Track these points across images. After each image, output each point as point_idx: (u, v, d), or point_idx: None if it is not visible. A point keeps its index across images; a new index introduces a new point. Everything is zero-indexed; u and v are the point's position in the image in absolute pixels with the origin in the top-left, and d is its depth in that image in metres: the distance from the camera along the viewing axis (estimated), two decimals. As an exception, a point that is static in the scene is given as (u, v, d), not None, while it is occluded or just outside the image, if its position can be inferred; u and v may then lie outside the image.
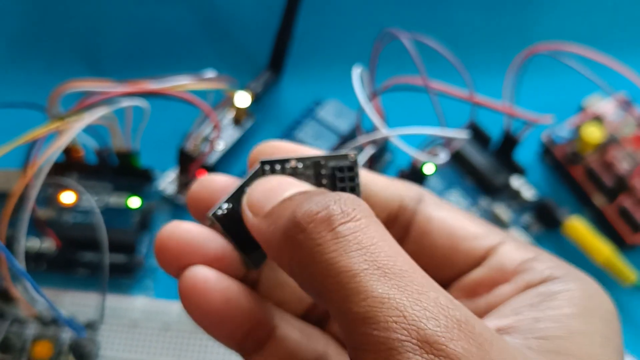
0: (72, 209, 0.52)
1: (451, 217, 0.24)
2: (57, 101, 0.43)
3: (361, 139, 0.45)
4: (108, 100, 0.40)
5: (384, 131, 0.40)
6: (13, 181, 0.51)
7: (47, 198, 0.53)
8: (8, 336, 0.44)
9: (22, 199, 0.52)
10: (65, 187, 0.53)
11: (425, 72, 0.42)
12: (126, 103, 0.41)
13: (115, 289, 0.49)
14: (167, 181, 0.54)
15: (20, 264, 0.37)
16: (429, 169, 0.51)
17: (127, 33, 0.62)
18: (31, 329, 0.46)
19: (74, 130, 0.39)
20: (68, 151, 0.51)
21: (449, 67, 0.47)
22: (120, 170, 0.53)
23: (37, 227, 0.47)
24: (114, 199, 0.53)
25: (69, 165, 0.53)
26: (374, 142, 0.53)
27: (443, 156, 0.44)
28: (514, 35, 0.64)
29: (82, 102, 0.41)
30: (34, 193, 0.37)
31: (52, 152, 0.38)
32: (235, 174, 0.57)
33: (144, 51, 0.61)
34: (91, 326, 0.46)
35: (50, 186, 0.53)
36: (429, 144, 0.52)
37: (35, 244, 0.49)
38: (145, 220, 0.52)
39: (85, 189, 0.53)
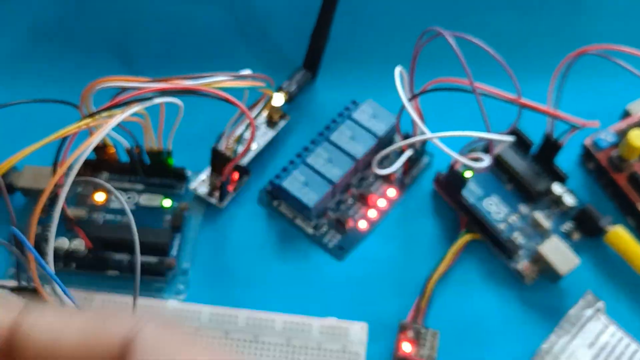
0: (102, 208, 0.51)
1: None
2: (89, 98, 0.42)
3: (400, 141, 0.43)
4: (141, 97, 0.39)
5: (426, 133, 0.39)
6: (44, 179, 0.51)
7: (77, 197, 0.52)
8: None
9: (53, 197, 0.51)
10: (96, 186, 0.52)
11: (470, 72, 0.41)
12: (160, 100, 0.39)
13: (146, 291, 0.48)
14: (199, 181, 0.53)
15: (49, 265, 0.36)
16: (468, 173, 0.49)
17: (162, 31, 0.61)
18: (60, 330, 0.45)
19: (105, 127, 0.38)
20: (99, 149, 0.51)
21: (492, 69, 0.45)
22: (152, 169, 0.52)
23: (67, 226, 0.46)
24: (145, 199, 0.52)
25: (100, 164, 0.52)
26: (412, 144, 0.52)
27: (486, 161, 0.42)
28: (558, 37, 0.61)
29: (115, 99, 0.40)
30: (64, 192, 0.36)
31: (83, 150, 0.36)
32: (269, 176, 0.57)
33: (179, 50, 0.60)
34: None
35: (80, 185, 0.53)
36: (468, 147, 0.50)
37: (64, 243, 0.49)
38: (177, 221, 0.50)
39: (115, 188, 0.53)
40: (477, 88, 0.38)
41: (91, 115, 0.39)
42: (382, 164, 0.54)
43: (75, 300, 0.38)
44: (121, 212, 0.51)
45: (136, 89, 0.39)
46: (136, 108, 0.39)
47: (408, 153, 0.51)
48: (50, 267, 0.37)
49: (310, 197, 0.50)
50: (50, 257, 0.37)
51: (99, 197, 0.52)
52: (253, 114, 0.49)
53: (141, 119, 0.46)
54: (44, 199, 0.37)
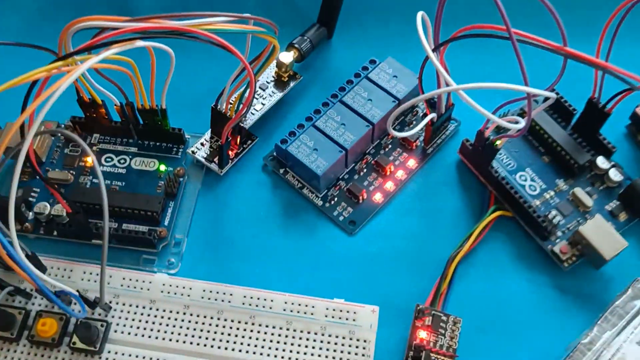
0: (90, 171, 0.47)
1: None
2: (67, 41, 0.37)
3: (422, 97, 0.37)
4: (121, 37, 0.34)
5: (451, 84, 0.33)
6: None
7: (65, 158, 0.47)
8: (5, 311, 0.39)
9: (38, 161, 0.47)
10: (83, 147, 0.47)
11: (506, 16, 0.34)
12: (143, 43, 0.34)
13: (133, 264, 0.44)
14: (198, 145, 0.48)
15: (9, 231, 0.32)
16: (500, 141, 0.43)
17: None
18: (37, 304, 0.41)
19: (77, 70, 0.33)
20: (88, 106, 0.46)
21: (531, 19, 0.39)
22: (147, 130, 0.47)
23: (49, 189, 0.42)
24: (138, 162, 0.47)
25: (91, 124, 0.48)
26: (433, 105, 0.46)
27: (522, 123, 0.36)
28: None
29: (93, 40, 0.34)
30: (26, 143, 0.31)
31: (52, 92, 0.31)
32: (275, 141, 0.51)
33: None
34: (99, 303, 0.40)
35: (66, 146, 0.48)
36: (500, 113, 0.44)
37: (45, 208, 0.44)
38: (172, 188, 0.45)
39: (107, 150, 0.48)
40: (515, 34, 0.32)
41: (63, 57, 0.34)
42: (401, 129, 0.49)
43: (31, 272, 0.34)
44: (113, 176, 0.46)
45: (115, 29, 0.34)
46: (115, 50, 0.34)
47: (430, 116, 0.45)
48: (15, 243, 0.33)
49: (319, 164, 0.45)
50: (12, 221, 0.32)
51: (87, 159, 0.47)
52: (255, 67, 0.43)
53: (129, 71, 0.40)
54: (20, 159, 0.32)
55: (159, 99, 0.44)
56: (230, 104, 0.46)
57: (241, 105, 0.44)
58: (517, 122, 0.37)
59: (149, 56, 0.39)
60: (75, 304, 0.40)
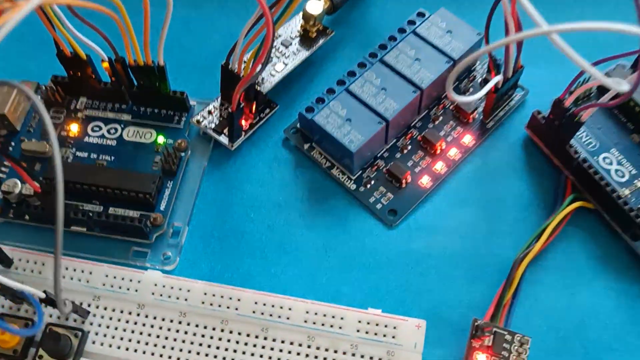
0: (75, 143, 0.38)
1: None
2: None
3: (488, 48, 0.28)
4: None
5: (541, 25, 0.23)
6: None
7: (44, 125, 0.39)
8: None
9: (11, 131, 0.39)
10: (66, 113, 0.39)
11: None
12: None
13: (121, 256, 0.35)
14: (204, 112, 0.39)
15: None
16: (584, 112, 0.33)
17: None
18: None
19: (29, 4, 0.24)
20: (71, 63, 0.37)
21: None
22: (142, 94, 0.39)
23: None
24: (131, 133, 0.39)
25: (75, 85, 0.39)
26: (497, 68, 0.36)
27: (627, 84, 0.27)
28: None
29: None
30: None
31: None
32: (298, 108, 0.42)
33: None
34: (76, 309, 0.32)
35: (47, 111, 0.40)
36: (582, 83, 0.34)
37: (15, 186, 0.36)
38: (171, 165, 0.37)
39: (96, 118, 0.39)
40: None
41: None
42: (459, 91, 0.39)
43: None
44: (100, 148, 0.38)
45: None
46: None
47: (496, 79, 0.36)
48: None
49: (353, 138, 0.36)
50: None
51: (73, 127, 0.39)
52: (275, 15, 0.34)
53: (114, 14, 0.32)
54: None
55: (156, 54, 0.35)
56: (245, 62, 0.37)
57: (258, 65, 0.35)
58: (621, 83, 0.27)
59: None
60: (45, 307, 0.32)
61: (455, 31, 0.39)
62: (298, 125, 0.39)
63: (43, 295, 0.31)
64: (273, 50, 0.38)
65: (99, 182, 0.35)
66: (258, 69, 0.33)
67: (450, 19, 0.39)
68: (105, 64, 0.36)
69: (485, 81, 0.40)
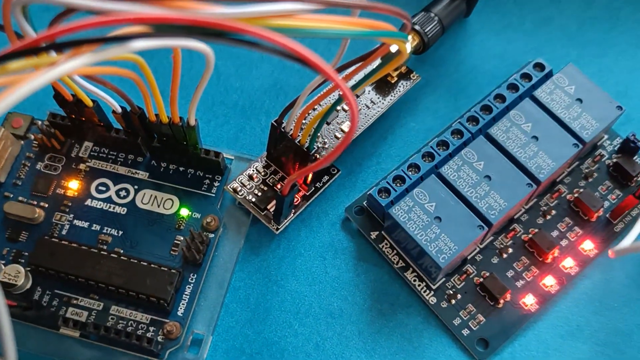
0: (72, 206, 0.29)
1: None
2: (16, 14, 0.19)
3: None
4: (105, 32, 0.16)
5: None
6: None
7: (34, 179, 0.30)
8: None
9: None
10: (65, 163, 0.30)
11: None
12: (145, 43, 0.16)
13: (123, 375, 0.27)
14: (243, 177, 0.30)
15: None
16: None
17: None
18: None
19: (28, 85, 0.15)
20: (72, 107, 0.28)
21: None
22: (164, 148, 0.29)
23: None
24: (147, 199, 0.30)
25: (78, 128, 0.30)
26: (631, 151, 0.27)
27: None
28: None
29: (51, 30, 0.16)
30: None
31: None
32: (366, 178, 0.32)
33: None
34: None
35: (41, 157, 0.31)
36: None
37: (-10, 272, 0.27)
38: (197, 253, 0.28)
39: (100, 171, 0.30)
40: None
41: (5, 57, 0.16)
42: (573, 183, 0.29)
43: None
44: (106, 217, 0.29)
45: (94, 14, 0.16)
46: (90, 58, 0.16)
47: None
48: None
49: (442, 246, 0.26)
50: None
51: (73, 185, 0.30)
52: (356, 77, 0.25)
53: (136, 76, 0.22)
54: None
55: (185, 108, 0.26)
56: (305, 120, 0.28)
57: (324, 130, 0.25)
58: None
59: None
60: None
61: (587, 100, 0.29)
62: (364, 203, 0.30)
63: None
64: (338, 105, 0.29)
65: (99, 278, 0.26)
66: (338, 155, 0.24)
67: (581, 81, 0.29)
68: (117, 116, 0.27)
69: (617, 166, 0.30)
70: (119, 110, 0.27)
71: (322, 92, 0.26)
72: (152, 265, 0.27)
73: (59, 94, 0.27)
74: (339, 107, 0.31)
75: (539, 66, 0.30)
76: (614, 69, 0.33)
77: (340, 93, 0.27)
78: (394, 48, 0.24)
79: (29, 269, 0.28)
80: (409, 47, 0.30)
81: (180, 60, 0.23)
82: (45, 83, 0.16)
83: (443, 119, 0.32)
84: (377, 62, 0.25)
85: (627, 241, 0.23)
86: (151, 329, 0.27)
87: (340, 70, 0.25)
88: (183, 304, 0.28)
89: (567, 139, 0.28)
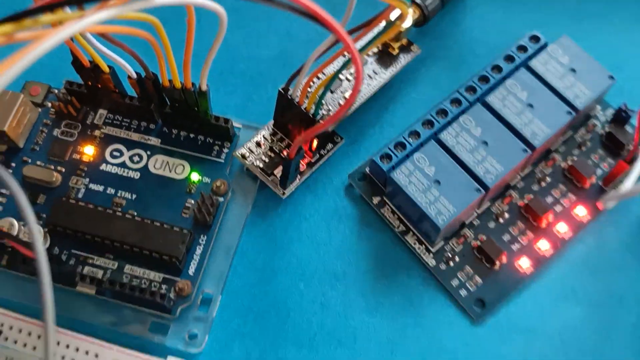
0: (88, 170, 0.31)
1: None
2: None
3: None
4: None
5: None
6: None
7: (51, 144, 0.31)
8: None
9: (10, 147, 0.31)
10: (81, 129, 0.31)
11: None
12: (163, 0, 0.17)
13: (136, 329, 0.28)
14: (251, 144, 0.31)
15: None
16: None
17: None
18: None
19: (51, 39, 0.16)
20: (88, 74, 0.29)
21: None
22: (176, 115, 0.31)
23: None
24: (159, 164, 0.31)
25: (93, 95, 0.31)
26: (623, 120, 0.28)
27: None
28: None
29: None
30: None
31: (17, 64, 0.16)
32: (368, 146, 0.34)
33: None
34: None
35: (58, 124, 0.32)
36: None
37: (10, 227, 0.28)
38: (207, 215, 0.29)
39: (114, 138, 0.32)
40: None
41: (22, 14, 0.18)
42: (567, 152, 0.31)
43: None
44: (119, 181, 0.31)
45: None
46: (110, 12, 0.18)
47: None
48: None
49: (441, 208, 0.28)
50: None
51: (88, 150, 0.31)
52: (361, 42, 0.26)
53: (151, 37, 0.24)
54: None
55: (197, 74, 0.27)
56: (310, 87, 0.29)
57: (328, 94, 0.26)
58: None
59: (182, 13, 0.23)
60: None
61: (581, 70, 0.30)
62: (367, 170, 0.31)
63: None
64: (343, 70, 0.30)
65: (115, 237, 0.28)
66: (341, 116, 0.25)
67: (575, 52, 0.31)
68: (132, 81, 0.28)
69: (609, 136, 0.31)
70: (134, 75, 0.28)
71: (326, 60, 0.27)
72: (165, 226, 0.28)
73: (77, 59, 0.28)
74: (342, 77, 0.32)
75: (535, 38, 0.31)
76: (609, 43, 0.34)
77: (345, 59, 0.29)
78: (393, 16, 0.26)
79: (46, 229, 0.29)
80: (410, 10, 0.31)
81: (194, 23, 0.24)
82: (71, 35, 0.18)
83: (443, 89, 0.33)
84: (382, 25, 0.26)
85: (615, 192, 0.25)
86: (163, 286, 0.28)
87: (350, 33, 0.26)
88: (194, 264, 0.29)
89: (560, 106, 0.29)
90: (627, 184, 0.24)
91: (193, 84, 0.28)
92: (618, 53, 0.34)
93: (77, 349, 0.27)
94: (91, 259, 0.29)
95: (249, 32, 0.35)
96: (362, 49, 0.26)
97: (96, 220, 0.28)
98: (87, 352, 0.27)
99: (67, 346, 0.27)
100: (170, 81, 0.28)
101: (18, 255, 0.28)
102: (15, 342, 0.27)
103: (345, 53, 0.28)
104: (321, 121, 0.30)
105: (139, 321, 0.28)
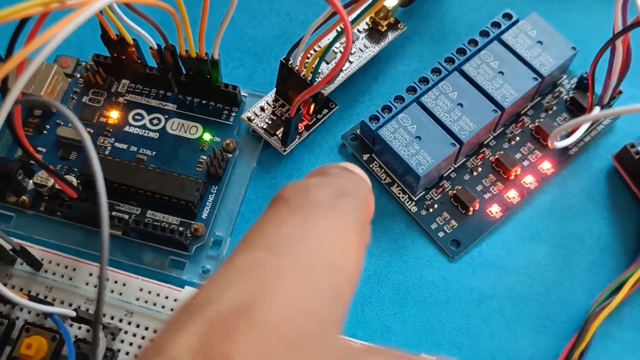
0: (113, 131, 0.35)
1: None
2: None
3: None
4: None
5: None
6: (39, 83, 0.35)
7: (81, 109, 0.36)
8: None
9: (46, 112, 0.35)
10: (106, 97, 0.36)
11: None
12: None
13: (157, 264, 0.33)
14: (256, 108, 0.36)
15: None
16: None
17: None
18: (25, 310, 0.31)
19: (93, 7, 0.20)
20: (114, 44, 0.34)
21: None
22: (190, 83, 0.35)
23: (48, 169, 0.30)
24: (175, 126, 0.35)
25: (118, 67, 0.36)
26: (584, 87, 0.32)
27: None
28: None
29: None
30: (6, 108, 0.19)
31: (48, 38, 0.20)
32: (359, 111, 0.38)
33: None
34: (107, 327, 0.30)
35: (86, 92, 0.36)
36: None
37: (47, 179, 0.33)
38: (218, 168, 0.34)
39: (137, 104, 0.36)
40: None
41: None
42: (535, 115, 0.35)
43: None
44: (141, 140, 0.35)
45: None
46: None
47: (595, 113, 0.31)
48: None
49: (421, 159, 0.32)
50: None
51: (113, 114, 0.36)
52: (351, 15, 0.30)
53: (171, 7, 0.28)
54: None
55: (210, 45, 0.31)
56: (308, 59, 0.33)
57: (324, 65, 0.31)
58: None
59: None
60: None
61: (547, 42, 0.34)
62: (358, 131, 0.36)
63: (73, 314, 0.28)
64: (336, 44, 0.34)
65: (138, 185, 0.32)
66: (332, 78, 0.29)
67: (542, 26, 0.35)
68: (153, 51, 0.33)
69: (573, 100, 0.36)
70: (155, 46, 0.32)
71: (322, 32, 0.32)
72: (182, 176, 0.33)
73: (106, 32, 0.32)
74: (336, 50, 0.36)
75: (507, 16, 0.36)
76: (575, 21, 0.38)
77: (338, 30, 0.33)
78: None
79: (79, 180, 0.33)
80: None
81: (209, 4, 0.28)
82: (106, 4, 0.22)
83: (427, 62, 0.38)
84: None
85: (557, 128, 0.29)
86: (181, 228, 0.33)
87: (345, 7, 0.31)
88: (206, 210, 0.33)
89: (528, 73, 0.34)
90: (567, 124, 0.28)
91: (206, 54, 0.32)
92: (584, 29, 0.38)
93: (107, 279, 0.31)
94: (118, 206, 0.33)
95: (255, 13, 0.40)
96: (354, 21, 0.30)
97: (122, 171, 0.33)
98: (115, 281, 0.31)
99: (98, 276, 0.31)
100: (186, 51, 0.32)
101: (55, 202, 0.33)
102: (54, 274, 0.31)
103: (338, 27, 0.32)
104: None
105: (159, 258, 0.33)
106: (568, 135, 0.33)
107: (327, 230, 0.16)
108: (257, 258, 0.15)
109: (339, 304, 0.15)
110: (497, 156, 0.34)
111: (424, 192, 0.34)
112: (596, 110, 0.32)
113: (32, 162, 0.33)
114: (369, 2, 0.30)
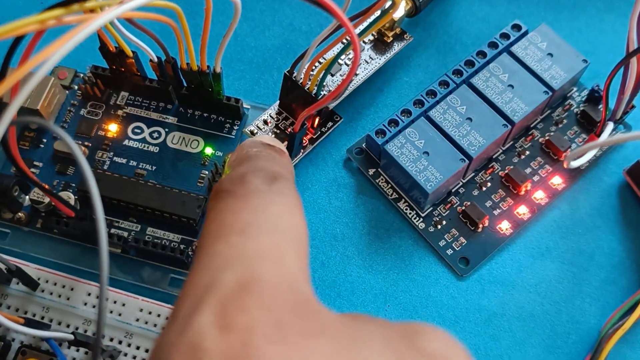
0: (112, 145, 0.34)
1: None
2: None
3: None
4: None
5: None
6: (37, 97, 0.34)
7: (78, 123, 0.35)
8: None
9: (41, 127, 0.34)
10: (105, 109, 0.35)
11: None
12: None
13: (157, 282, 0.32)
14: (259, 121, 0.35)
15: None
16: None
17: None
18: (21, 335, 0.30)
19: (90, 26, 0.20)
20: (114, 58, 0.33)
21: None
22: (191, 96, 0.34)
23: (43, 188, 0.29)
24: (176, 140, 0.34)
25: (116, 79, 0.35)
26: (597, 100, 0.31)
27: None
28: None
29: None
30: (7, 115, 0.18)
31: (44, 58, 0.19)
32: (365, 125, 0.37)
33: None
34: (106, 349, 0.29)
35: (84, 104, 0.35)
36: None
37: (44, 195, 0.32)
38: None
39: (137, 117, 0.35)
40: None
41: (64, 2, 0.21)
42: (545, 129, 0.34)
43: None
44: (141, 154, 0.34)
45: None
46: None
47: (609, 128, 0.31)
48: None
49: (430, 175, 0.31)
50: None
51: (112, 127, 0.35)
52: (358, 28, 0.29)
53: (172, 22, 0.27)
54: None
55: (212, 58, 0.31)
56: (312, 71, 0.32)
57: (328, 78, 0.30)
58: None
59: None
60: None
61: (557, 54, 0.34)
62: (363, 145, 0.35)
63: (71, 338, 0.27)
64: (342, 55, 0.33)
65: (138, 201, 0.31)
66: (339, 94, 0.28)
67: (553, 38, 0.34)
68: (153, 64, 0.32)
69: (583, 114, 0.35)
70: (155, 59, 0.31)
71: (327, 45, 0.31)
72: (183, 192, 0.32)
73: (104, 45, 0.31)
74: (341, 62, 0.35)
75: (517, 27, 0.35)
76: (584, 31, 0.38)
77: (343, 45, 0.32)
78: (388, 3, 0.29)
79: (76, 197, 0.32)
80: (401, 5, 0.35)
81: (211, 11, 0.27)
82: (111, 18, 0.21)
83: (432, 74, 0.37)
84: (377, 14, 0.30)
85: (573, 151, 0.28)
86: (182, 246, 0.32)
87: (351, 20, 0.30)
88: (208, 226, 0.32)
89: (538, 87, 0.33)
90: (584, 146, 0.27)
91: (208, 66, 0.31)
92: (592, 40, 0.37)
93: (107, 299, 0.30)
94: (116, 222, 0.32)
95: (256, 24, 0.39)
96: (360, 34, 0.29)
97: (121, 187, 0.32)
98: (115, 302, 0.30)
99: (96, 296, 0.30)
100: (188, 64, 0.31)
101: (52, 218, 0.32)
102: (51, 293, 0.30)
103: (344, 40, 0.31)
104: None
105: (159, 277, 0.32)
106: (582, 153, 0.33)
107: (276, 210, 0.19)
108: (234, 243, 0.17)
109: (305, 266, 0.18)
110: (506, 171, 0.34)
111: (431, 208, 0.33)
112: (609, 125, 0.31)
113: (32, 169, 0.32)
114: (377, 15, 0.29)
